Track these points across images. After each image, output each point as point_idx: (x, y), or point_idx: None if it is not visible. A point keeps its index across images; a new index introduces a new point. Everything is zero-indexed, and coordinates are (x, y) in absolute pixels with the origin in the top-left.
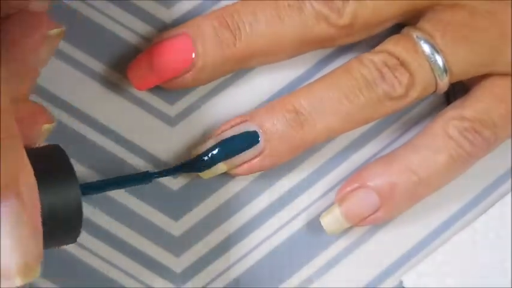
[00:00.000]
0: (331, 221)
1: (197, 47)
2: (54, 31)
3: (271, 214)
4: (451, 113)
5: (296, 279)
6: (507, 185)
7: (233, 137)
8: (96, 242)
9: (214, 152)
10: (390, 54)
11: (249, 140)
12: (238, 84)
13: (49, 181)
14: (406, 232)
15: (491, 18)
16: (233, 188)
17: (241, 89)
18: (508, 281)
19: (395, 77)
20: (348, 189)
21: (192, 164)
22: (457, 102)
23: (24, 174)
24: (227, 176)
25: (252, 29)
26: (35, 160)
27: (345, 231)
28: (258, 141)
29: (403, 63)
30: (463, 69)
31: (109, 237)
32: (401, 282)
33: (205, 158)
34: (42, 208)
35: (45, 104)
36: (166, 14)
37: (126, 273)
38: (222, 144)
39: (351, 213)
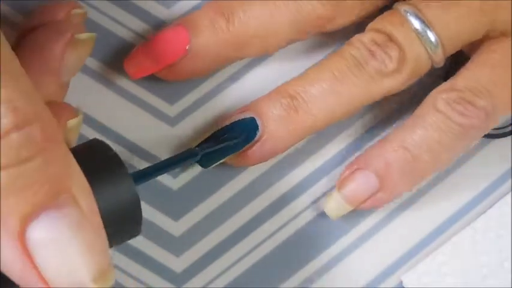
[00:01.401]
0: (333, 205)
1: (191, 34)
2: (83, 35)
3: (271, 214)
4: (443, 86)
5: (296, 279)
6: (507, 185)
7: (231, 124)
8: None
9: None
10: (378, 31)
11: (246, 126)
12: (238, 84)
13: (101, 178)
14: (406, 232)
15: None
16: (233, 188)
17: (241, 89)
18: (508, 281)
19: (385, 53)
20: (347, 173)
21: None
22: (453, 76)
23: (75, 179)
24: (227, 176)
25: (246, 13)
26: (80, 160)
27: (345, 231)
28: (256, 127)
29: (391, 38)
30: (455, 38)
31: None
32: (401, 282)
33: (204, 147)
34: (100, 207)
35: None
36: (167, 14)
37: (126, 273)
38: (220, 131)
39: (351, 196)
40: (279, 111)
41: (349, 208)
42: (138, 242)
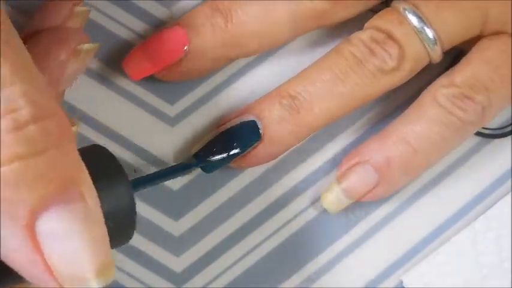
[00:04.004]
0: (331, 199)
1: (190, 33)
2: (86, 46)
3: (270, 214)
4: (441, 81)
5: (296, 279)
6: (507, 185)
7: (232, 128)
8: None
9: (216, 146)
10: (377, 29)
11: (248, 128)
12: (238, 84)
13: (100, 181)
14: (406, 232)
15: None
16: (232, 188)
17: (241, 89)
18: (508, 281)
19: (385, 51)
20: (346, 166)
21: (198, 158)
22: (448, 71)
23: (83, 176)
24: (227, 176)
25: (243, 10)
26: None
27: (344, 231)
28: (257, 130)
29: (390, 36)
30: (452, 34)
31: None
32: (401, 282)
33: (206, 153)
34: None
35: None
36: (167, 14)
37: (126, 273)
38: (221, 135)
39: (351, 190)
40: (280, 112)
41: (348, 202)
42: (138, 242)
